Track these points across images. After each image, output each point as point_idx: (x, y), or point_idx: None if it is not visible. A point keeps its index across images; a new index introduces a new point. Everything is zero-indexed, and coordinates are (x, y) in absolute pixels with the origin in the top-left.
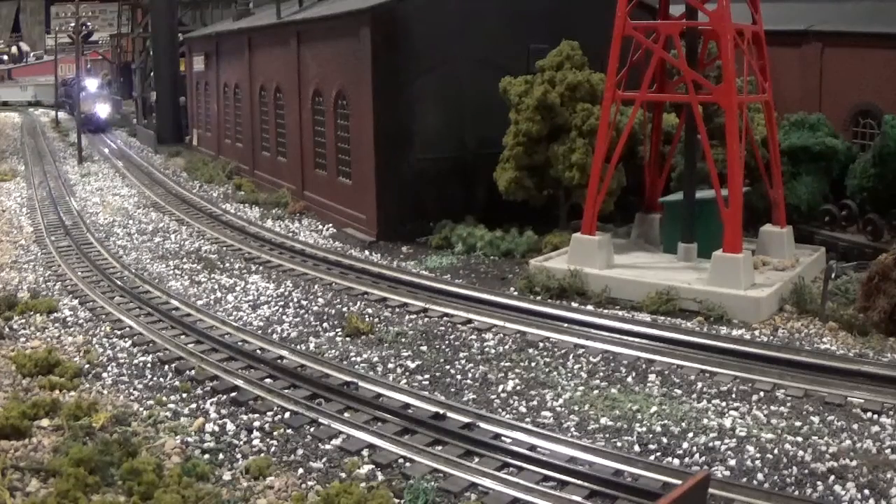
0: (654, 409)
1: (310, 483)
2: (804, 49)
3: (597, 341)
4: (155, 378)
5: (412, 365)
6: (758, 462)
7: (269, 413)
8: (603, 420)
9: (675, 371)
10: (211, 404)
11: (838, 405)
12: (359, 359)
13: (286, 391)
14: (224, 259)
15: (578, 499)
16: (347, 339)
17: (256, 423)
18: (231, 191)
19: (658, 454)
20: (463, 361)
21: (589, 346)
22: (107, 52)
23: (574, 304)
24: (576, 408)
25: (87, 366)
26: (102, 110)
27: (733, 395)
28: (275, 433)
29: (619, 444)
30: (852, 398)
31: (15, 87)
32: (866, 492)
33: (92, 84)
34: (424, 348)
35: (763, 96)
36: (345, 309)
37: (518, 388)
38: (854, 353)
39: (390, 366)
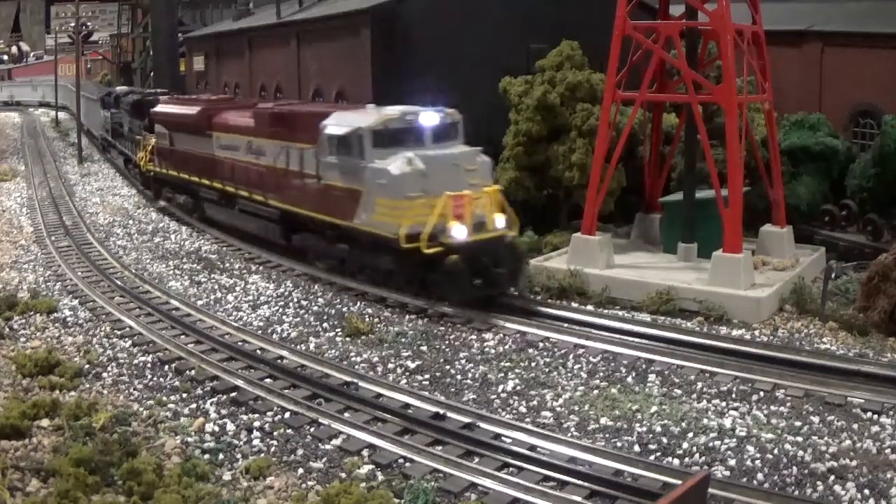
0: (654, 409)
1: (310, 483)
2: (804, 49)
3: (597, 341)
4: (155, 378)
5: (412, 365)
6: (758, 462)
7: (269, 413)
8: (603, 420)
9: (675, 371)
10: (211, 404)
11: (838, 405)
12: (359, 359)
13: (286, 391)
14: (224, 259)
15: (578, 499)
16: (347, 339)
17: (256, 423)
18: None
19: (658, 454)
20: (463, 361)
21: (589, 346)
22: (107, 52)
23: (574, 304)
24: (576, 408)
25: (87, 366)
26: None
27: (733, 395)
28: (275, 433)
29: (619, 444)
30: (852, 398)
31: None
32: (866, 492)
33: (429, 118)
34: (424, 348)
35: (763, 96)
36: (345, 309)
37: (518, 388)
38: (854, 353)
39: (390, 366)
